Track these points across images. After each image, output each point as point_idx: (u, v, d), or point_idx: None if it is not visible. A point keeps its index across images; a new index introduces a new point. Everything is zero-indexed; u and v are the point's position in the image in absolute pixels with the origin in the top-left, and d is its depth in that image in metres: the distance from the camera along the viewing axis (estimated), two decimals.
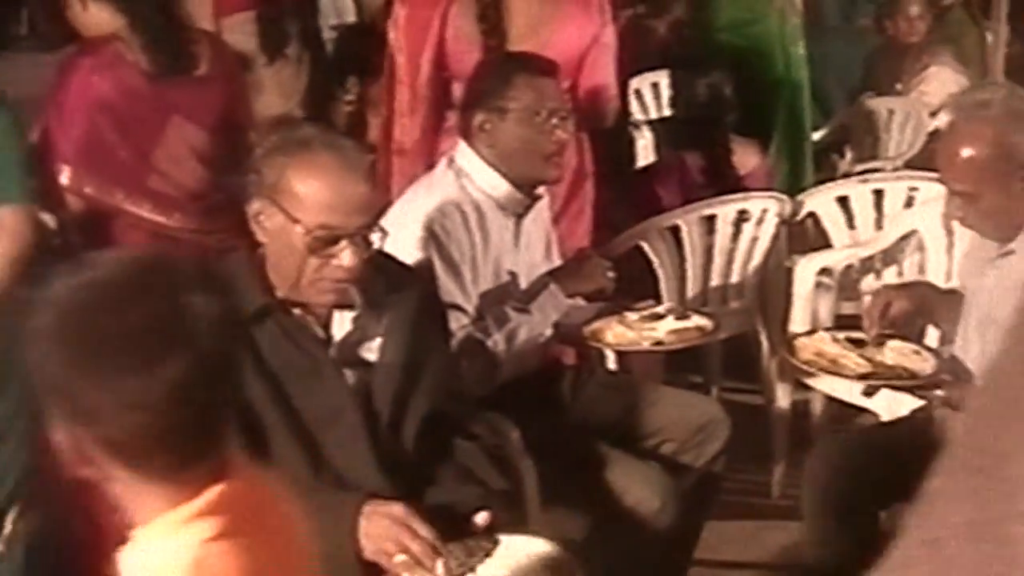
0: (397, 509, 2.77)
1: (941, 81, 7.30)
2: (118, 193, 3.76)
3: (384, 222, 3.91)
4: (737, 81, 5.59)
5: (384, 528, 2.74)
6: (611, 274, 4.06)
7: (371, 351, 3.10)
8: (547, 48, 4.47)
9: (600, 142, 4.91)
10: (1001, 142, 3.41)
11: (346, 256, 2.92)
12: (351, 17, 6.71)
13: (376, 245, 3.02)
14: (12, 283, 3.60)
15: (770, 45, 6.20)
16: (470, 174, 3.93)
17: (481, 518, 2.82)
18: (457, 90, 4.57)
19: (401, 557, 2.71)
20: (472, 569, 2.73)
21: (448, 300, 3.69)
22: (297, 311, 3.05)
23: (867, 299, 3.79)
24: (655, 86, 6.92)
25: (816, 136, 6.91)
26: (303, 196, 2.91)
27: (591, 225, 4.81)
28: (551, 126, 3.90)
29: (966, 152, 3.45)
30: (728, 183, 5.33)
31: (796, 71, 6.24)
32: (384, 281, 3.14)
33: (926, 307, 3.79)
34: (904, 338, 3.78)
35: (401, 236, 3.79)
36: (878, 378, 3.69)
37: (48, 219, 3.89)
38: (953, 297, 3.80)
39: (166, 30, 3.80)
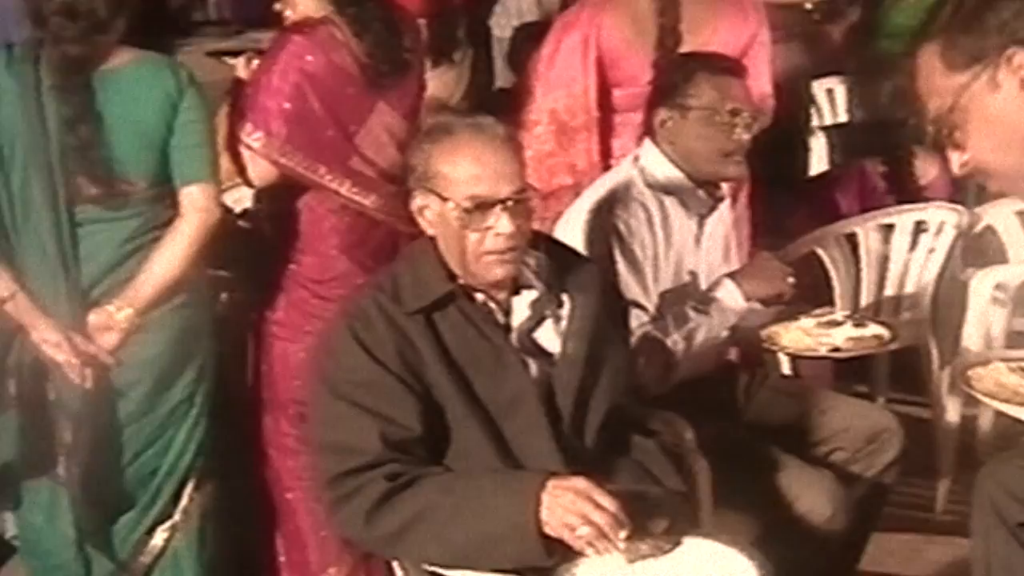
0: (581, 482, 2.76)
1: None
2: (321, 168, 3.81)
3: (567, 217, 3.98)
4: None
5: (568, 501, 2.73)
6: (791, 279, 4.03)
7: (550, 338, 3.12)
8: (712, 44, 4.50)
9: (776, 147, 4.87)
10: None
11: (503, 224, 2.96)
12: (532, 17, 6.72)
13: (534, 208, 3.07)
14: (198, 261, 3.67)
15: None
16: (653, 171, 3.94)
17: (658, 527, 2.82)
18: (616, 97, 4.62)
19: (585, 530, 2.70)
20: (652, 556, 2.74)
21: (629, 297, 3.70)
22: (480, 297, 3.08)
23: None
24: (830, 92, 6.85)
25: None
26: (450, 175, 2.98)
27: (750, 232, 4.78)
28: (732, 126, 3.89)
29: None
30: (908, 192, 5.27)
31: None
32: (560, 266, 3.17)
33: None
34: None
35: (584, 231, 3.83)
36: None
37: (232, 202, 3.97)
38: None
39: (375, 18, 3.85)
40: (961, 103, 2.27)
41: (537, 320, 3.12)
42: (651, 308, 3.82)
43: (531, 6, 6.61)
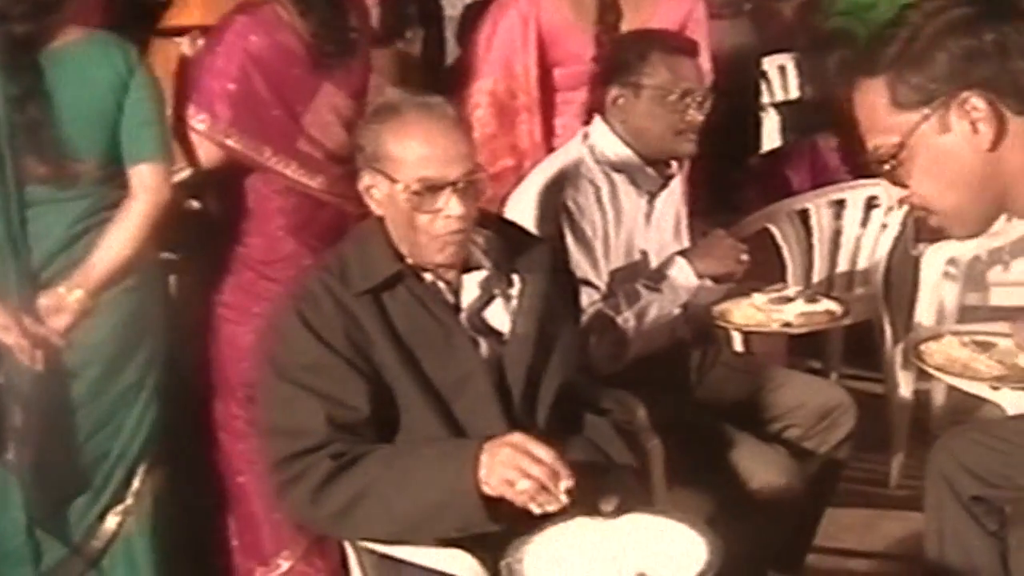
0: (516, 437, 2.75)
1: None
2: (266, 149, 3.78)
3: (515, 197, 3.97)
4: None
5: (505, 456, 2.72)
6: (745, 257, 4.03)
7: (500, 318, 3.11)
8: (653, 20, 4.51)
9: (727, 124, 4.86)
10: None
11: (453, 206, 2.95)
12: None
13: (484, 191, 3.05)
14: (148, 243, 3.64)
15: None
16: (603, 149, 3.95)
17: (609, 504, 2.81)
18: (557, 75, 4.60)
19: (525, 484, 2.69)
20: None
21: (579, 275, 3.69)
22: (428, 277, 3.07)
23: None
24: (782, 68, 6.86)
25: None
26: (399, 156, 2.96)
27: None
28: (684, 105, 3.89)
29: None
30: (860, 167, 5.26)
31: None
32: (510, 246, 3.16)
33: None
34: None
35: (533, 209, 3.81)
36: (1013, 380, 3.63)
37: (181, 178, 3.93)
38: None
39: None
40: (909, 142, 2.27)
41: (487, 299, 3.11)
42: (602, 286, 3.82)
43: None
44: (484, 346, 3.06)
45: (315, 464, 2.86)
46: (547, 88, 4.62)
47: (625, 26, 4.50)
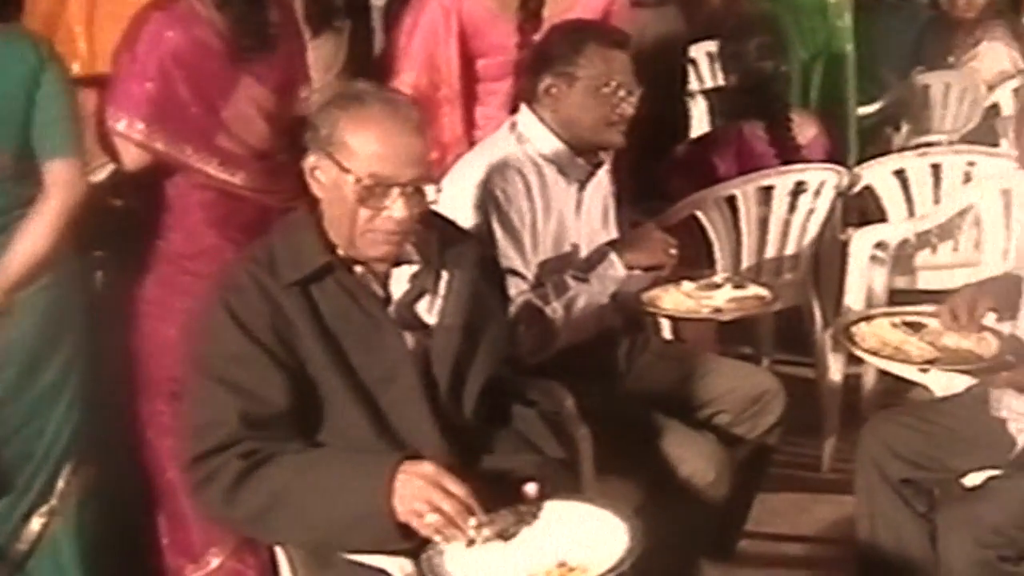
0: (429, 468, 2.74)
1: (993, 57, 7.25)
2: (187, 148, 3.74)
3: (443, 188, 3.94)
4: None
5: (415, 488, 2.71)
6: (673, 251, 4.04)
7: (428, 311, 3.09)
8: (576, 8, 4.50)
9: (655, 111, 4.87)
10: None
11: (397, 207, 2.93)
12: None
13: (431, 199, 3.02)
14: (65, 239, 3.60)
15: (811, 17, 6.16)
16: (531, 139, 3.93)
17: (531, 488, 2.80)
18: (479, 66, 4.58)
19: (433, 518, 2.68)
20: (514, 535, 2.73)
21: (507, 265, 3.69)
22: (359, 269, 3.05)
23: (954, 300, 3.71)
24: (710, 55, 6.87)
25: (869, 110, 6.87)
26: (355, 147, 2.93)
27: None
28: (617, 99, 3.89)
29: None
30: (787, 153, 5.28)
31: (839, 43, 6.19)
32: (439, 240, 3.15)
33: (1009, 302, 3.75)
34: None
35: (461, 200, 3.79)
36: (944, 363, 3.64)
37: (100, 176, 3.89)
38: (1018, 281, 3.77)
39: None
40: None
41: (416, 293, 3.09)
42: (530, 276, 3.81)
43: None
44: (411, 339, 3.05)
45: (225, 464, 2.83)
46: (469, 79, 4.60)
47: (546, 14, 4.47)
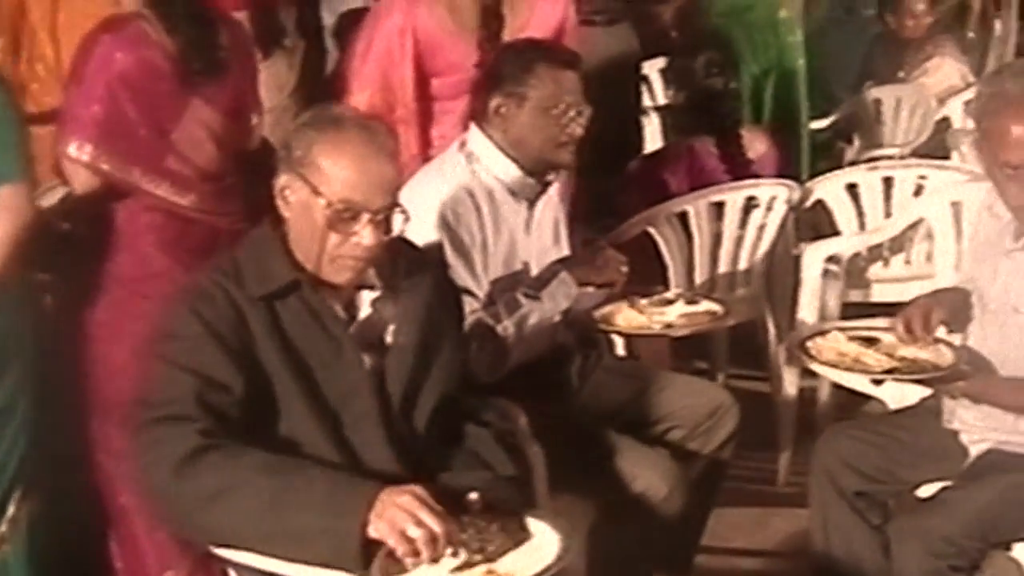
0: (407, 500, 2.72)
1: (943, 72, 7.31)
2: (136, 171, 3.74)
3: None
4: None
5: (401, 504, 2.70)
6: (625, 269, 4.05)
7: (388, 334, 3.09)
8: (528, 28, 4.50)
9: (608, 128, 4.87)
10: None
11: (366, 234, 2.93)
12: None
13: (399, 228, 3.03)
14: (13, 264, 3.57)
15: (763, 33, 6.18)
16: (480, 158, 3.92)
17: (473, 496, 2.80)
18: (435, 85, 4.58)
19: (416, 532, 2.67)
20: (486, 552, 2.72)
21: (458, 284, 3.67)
22: (323, 289, 3.04)
23: (908, 312, 3.73)
24: (663, 72, 6.87)
25: (821, 124, 6.90)
26: (328, 171, 2.92)
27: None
28: (568, 119, 3.89)
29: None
30: (738, 168, 5.30)
31: (790, 59, 6.22)
32: (402, 265, 3.15)
33: (960, 315, 3.77)
34: None
35: (411, 220, 3.79)
36: (903, 373, 3.65)
37: (50, 199, 3.87)
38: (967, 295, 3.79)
39: (186, 14, 3.78)
40: None
41: (377, 318, 3.09)
42: (481, 295, 3.81)
43: None
44: (368, 360, 3.05)
45: (181, 434, 2.80)
46: (425, 98, 4.60)
47: (509, 30, 4.48)
